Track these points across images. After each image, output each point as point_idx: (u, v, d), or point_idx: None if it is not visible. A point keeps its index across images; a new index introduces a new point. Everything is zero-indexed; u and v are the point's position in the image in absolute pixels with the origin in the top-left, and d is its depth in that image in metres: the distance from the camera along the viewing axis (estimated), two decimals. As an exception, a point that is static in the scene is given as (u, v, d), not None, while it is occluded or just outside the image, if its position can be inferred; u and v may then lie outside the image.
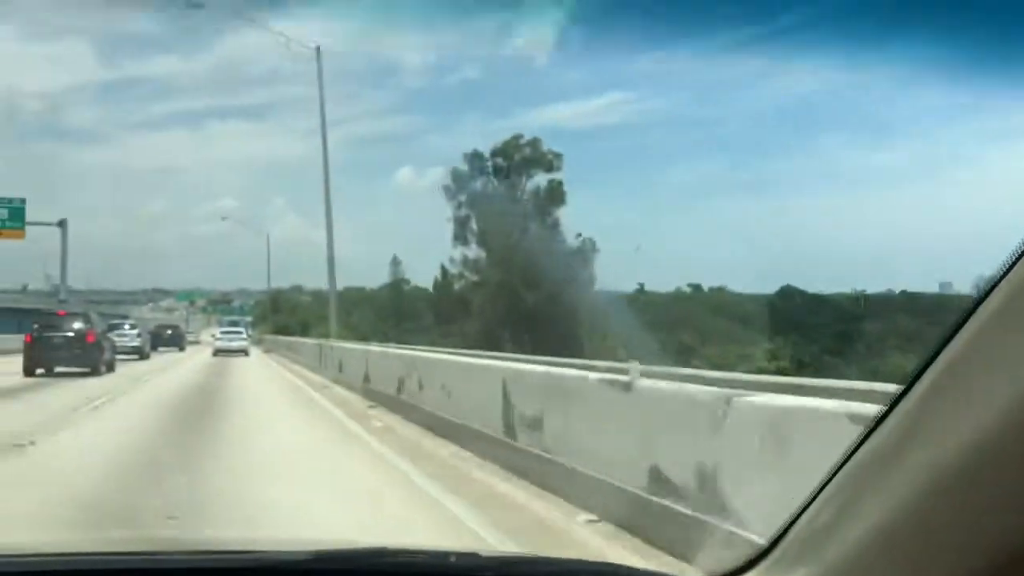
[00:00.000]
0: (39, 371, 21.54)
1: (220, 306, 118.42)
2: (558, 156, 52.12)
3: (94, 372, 21.69)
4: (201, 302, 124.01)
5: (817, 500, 1.05)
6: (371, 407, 13.83)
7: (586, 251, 49.45)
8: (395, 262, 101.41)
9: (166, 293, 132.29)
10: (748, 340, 45.61)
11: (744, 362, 37.18)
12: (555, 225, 50.50)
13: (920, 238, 68.72)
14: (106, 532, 5.07)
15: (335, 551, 1.44)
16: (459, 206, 53.62)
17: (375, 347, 17.47)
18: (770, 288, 49.50)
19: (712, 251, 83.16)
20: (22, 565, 1.33)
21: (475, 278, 51.84)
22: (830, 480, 1.04)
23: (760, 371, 25.35)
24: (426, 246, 67.93)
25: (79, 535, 4.59)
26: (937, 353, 0.92)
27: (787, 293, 48.86)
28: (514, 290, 46.00)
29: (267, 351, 46.37)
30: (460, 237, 53.05)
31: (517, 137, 52.49)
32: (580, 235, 50.12)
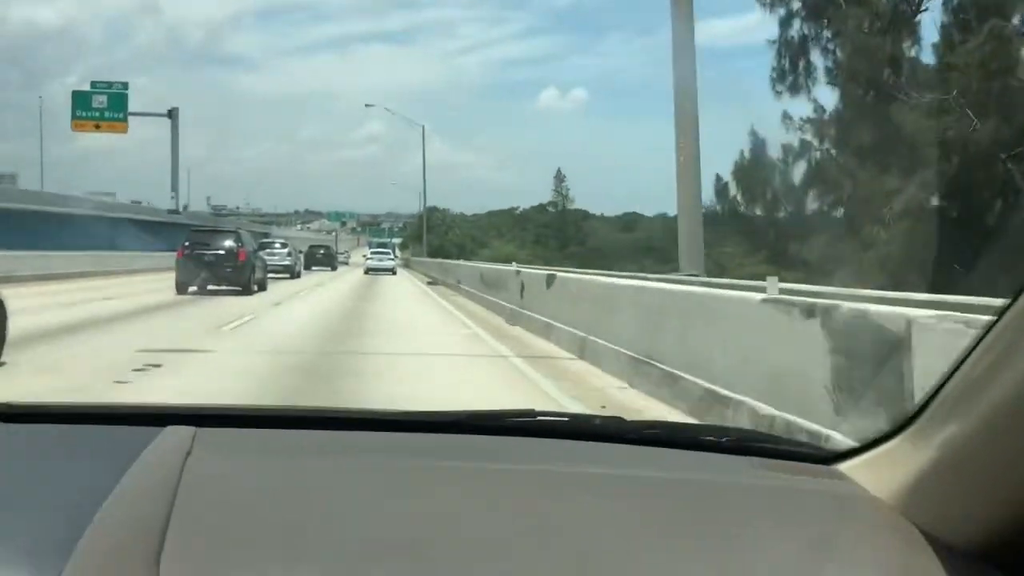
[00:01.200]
0: (191, 289, 20.58)
1: (370, 227, 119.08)
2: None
3: (245, 291, 20.93)
4: (351, 223, 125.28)
5: (966, 362, 1.06)
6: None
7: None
8: (559, 176, 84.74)
9: (316, 215, 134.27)
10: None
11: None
12: (1009, 40, 22.63)
13: None
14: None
15: (487, 411, 1.53)
16: (788, 18, 28.53)
17: None
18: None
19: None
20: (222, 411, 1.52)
21: (833, 150, 28.61)
22: (975, 346, 1.04)
23: None
24: (575, 166, 61.88)
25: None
26: None
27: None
28: (988, 163, 21.89)
29: (431, 283, 32.12)
30: (788, 79, 28.42)
31: None
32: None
